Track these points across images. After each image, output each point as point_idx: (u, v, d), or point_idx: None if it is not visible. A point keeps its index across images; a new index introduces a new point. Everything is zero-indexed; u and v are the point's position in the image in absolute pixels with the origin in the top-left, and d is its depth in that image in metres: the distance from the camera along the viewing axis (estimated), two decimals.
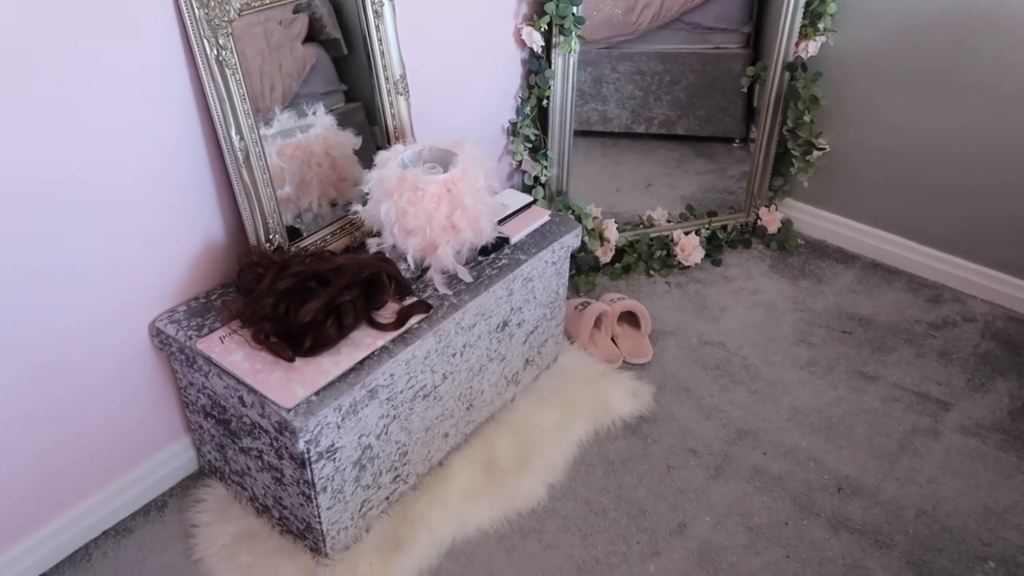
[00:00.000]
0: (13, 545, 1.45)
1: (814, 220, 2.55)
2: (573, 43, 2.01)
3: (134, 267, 1.44)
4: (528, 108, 2.12)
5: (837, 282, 2.37)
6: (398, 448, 1.56)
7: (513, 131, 2.16)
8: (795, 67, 2.26)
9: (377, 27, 1.63)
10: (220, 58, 1.36)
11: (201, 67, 1.35)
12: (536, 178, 2.20)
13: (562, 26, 1.98)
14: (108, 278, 1.41)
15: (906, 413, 1.90)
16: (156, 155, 1.40)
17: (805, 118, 2.30)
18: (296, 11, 1.60)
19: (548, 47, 2.04)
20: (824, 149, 2.36)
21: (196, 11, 1.31)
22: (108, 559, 1.55)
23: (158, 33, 1.32)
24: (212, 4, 1.33)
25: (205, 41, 1.34)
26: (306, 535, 1.51)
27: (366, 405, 1.41)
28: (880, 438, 1.83)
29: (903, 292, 2.32)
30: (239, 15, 1.37)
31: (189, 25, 1.32)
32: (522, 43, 2.04)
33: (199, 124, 1.44)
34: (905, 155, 2.28)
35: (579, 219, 2.21)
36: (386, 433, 1.50)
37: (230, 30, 1.37)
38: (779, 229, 2.48)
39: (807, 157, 2.36)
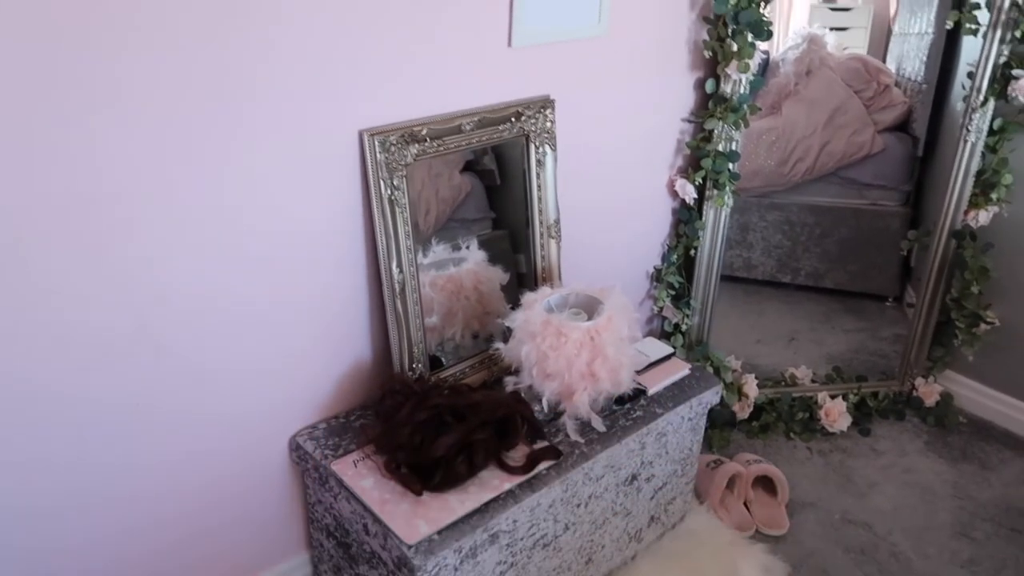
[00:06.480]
0: None
1: (978, 397, 2.34)
2: (727, 198, 2.01)
3: (283, 379, 1.51)
4: (675, 256, 2.12)
5: (1005, 470, 2.13)
6: None
7: (657, 277, 2.16)
8: (963, 235, 2.14)
9: (538, 175, 1.70)
10: (392, 197, 1.46)
11: (375, 205, 1.45)
12: (676, 325, 2.17)
13: (716, 180, 1.99)
14: (259, 386, 1.48)
15: None
16: (322, 278, 1.49)
17: (972, 289, 2.15)
18: None
19: (700, 198, 2.05)
20: (993, 323, 2.19)
21: (377, 155, 1.42)
22: None
23: (341, 171, 1.43)
24: (392, 150, 1.43)
25: (382, 182, 1.44)
26: None
27: (486, 549, 1.38)
28: None
29: None
30: (415, 159, 1.47)
31: (369, 167, 1.42)
32: (674, 193, 2.06)
33: (363, 254, 1.53)
34: None
35: (718, 371, 2.14)
36: None
37: (404, 173, 1.47)
38: (937, 403, 2.29)
39: (973, 330, 2.20)
